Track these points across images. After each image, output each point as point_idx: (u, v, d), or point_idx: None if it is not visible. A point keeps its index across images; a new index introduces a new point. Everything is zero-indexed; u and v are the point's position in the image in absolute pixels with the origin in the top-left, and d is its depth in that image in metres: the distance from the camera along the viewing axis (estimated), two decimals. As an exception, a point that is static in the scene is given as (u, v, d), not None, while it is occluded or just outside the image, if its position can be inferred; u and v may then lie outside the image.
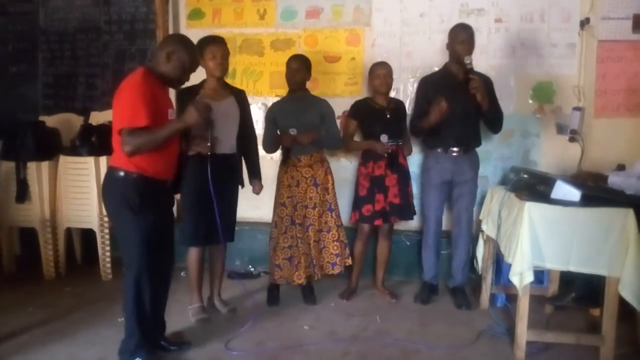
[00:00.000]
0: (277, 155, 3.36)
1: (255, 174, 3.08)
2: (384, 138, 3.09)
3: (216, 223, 2.74)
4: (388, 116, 3.22)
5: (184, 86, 2.92)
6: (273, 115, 3.19)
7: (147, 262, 2.32)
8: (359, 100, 3.37)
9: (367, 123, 3.24)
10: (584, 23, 3.45)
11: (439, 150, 3.20)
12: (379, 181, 3.20)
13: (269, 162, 3.54)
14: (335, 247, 3.20)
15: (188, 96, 2.82)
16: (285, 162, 3.18)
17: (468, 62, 2.97)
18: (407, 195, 3.26)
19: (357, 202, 3.28)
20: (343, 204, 3.57)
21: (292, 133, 3.04)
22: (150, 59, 2.44)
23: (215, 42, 2.86)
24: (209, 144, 2.60)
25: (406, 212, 3.27)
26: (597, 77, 3.49)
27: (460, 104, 3.02)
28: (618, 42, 3.45)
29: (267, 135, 3.20)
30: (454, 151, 3.15)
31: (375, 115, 3.22)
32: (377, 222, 3.22)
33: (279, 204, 3.16)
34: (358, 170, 3.33)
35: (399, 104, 3.35)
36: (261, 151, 3.18)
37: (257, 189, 3.08)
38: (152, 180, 2.30)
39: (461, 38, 3.06)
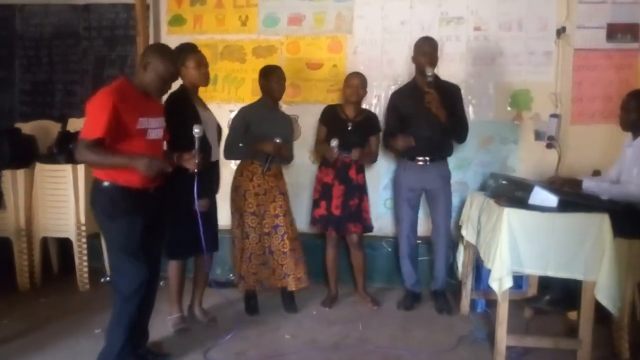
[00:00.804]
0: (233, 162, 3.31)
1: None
2: (333, 142, 3.08)
3: (200, 236, 2.65)
4: (349, 128, 3.23)
5: (171, 92, 2.87)
6: (247, 119, 3.10)
7: (133, 267, 2.30)
8: (329, 106, 3.39)
9: (330, 131, 3.26)
10: (560, 32, 3.52)
11: (406, 159, 3.25)
12: (326, 188, 3.23)
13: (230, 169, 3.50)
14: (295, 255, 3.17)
15: (182, 102, 2.77)
16: (265, 170, 3.07)
17: (429, 74, 3.02)
18: (352, 209, 3.22)
19: (312, 206, 3.34)
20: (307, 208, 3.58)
21: (277, 141, 3.00)
22: (133, 69, 2.42)
23: (195, 50, 2.83)
24: (197, 161, 2.53)
25: (344, 224, 3.22)
26: (574, 84, 3.56)
27: (426, 115, 3.06)
28: (593, 51, 3.53)
29: (234, 140, 3.07)
30: (419, 160, 3.18)
31: (338, 124, 3.25)
32: (318, 227, 3.28)
33: (248, 213, 3.09)
34: (316, 175, 3.37)
35: (368, 117, 3.34)
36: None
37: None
38: (124, 189, 2.28)
39: (424, 50, 3.12)
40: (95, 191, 2.33)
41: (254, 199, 3.09)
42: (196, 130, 2.49)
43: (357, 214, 3.24)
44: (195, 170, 2.51)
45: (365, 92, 3.29)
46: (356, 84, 3.21)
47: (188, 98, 2.80)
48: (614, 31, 3.50)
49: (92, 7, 4.18)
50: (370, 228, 3.31)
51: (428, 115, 3.06)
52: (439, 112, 3.03)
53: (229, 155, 3.13)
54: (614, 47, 3.51)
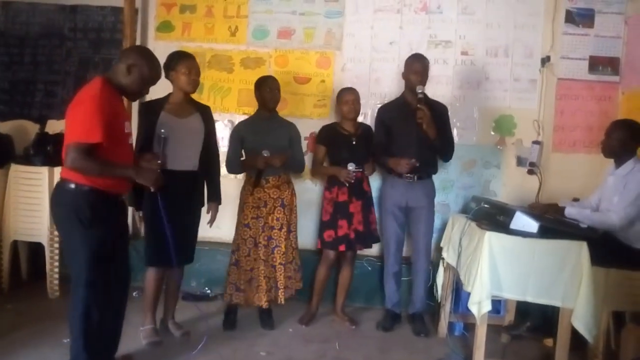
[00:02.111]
0: (241, 174, 3.31)
1: (214, 196, 2.98)
2: (351, 166, 3.09)
3: (168, 246, 2.59)
4: (354, 143, 3.23)
5: (147, 99, 2.87)
6: (240, 134, 3.14)
7: (97, 278, 2.22)
8: (327, 126, 3.37)
9: (334, 149, 3.25)
10: (545, 61, 3.60)
11: (393, 176, 3.25)
12: (342, 207, 3.19)
13: (233, 181, 3.47)
14: (289, 269, 3.15)
15: (152, 109, 2.77)
16: (251, 182, 3.08)
17: (420, 91, 3.05)
18: (369, 223, 3.25)
19: (321, 228, 3.27)
20: (307, 226, 3.54)
21: (265, 154, 3.00)
22: (110, 69, 2.35)
23: (189, 57, 2.82)
24: (159, 162, 2.50)
25: (369, 239, 3.26)
26: (556, 112, 3.63)
27: (414, 132, 3.08)
28: (576, 81, 3.61)
29: (233, 155, 3.13)
30: (407, 177, 3.19)
31: (342, 141, 3.24)
32: (341, 248, 3.20)
33: (242, 225, 3.08)
34: (323, 195, 3.33)
35: (366, 129, 3.36)
36: (223, 170, 3.11)
37: (214, 212, 2.98)
38: (104, 194, 2.21)
39: (415, 68, 3.14)
40: (64, 194, 2.20)
41: (250, 211, 3.07)
42: (162, 130, 2.49)
43: (370, 226, 3.25)
44: (152, 189, 2.42)
45: (360, 106, 3.29)
46: (352, 99, 3.21)
47: (156, 108, 2.77)
48: (595, 63, 3.60)
49: (80, 9, 4.12)
50: (377, 239, 3.32)
51: (416, 132, 3.07)
52: (429, 129, 3.04)
53: (229, 170, 3.17)
54: (595, 79, 3.60)
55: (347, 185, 3.15)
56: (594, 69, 3.60)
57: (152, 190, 2.42)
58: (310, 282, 3.36)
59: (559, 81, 3.61)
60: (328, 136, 3.29)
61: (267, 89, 3.11)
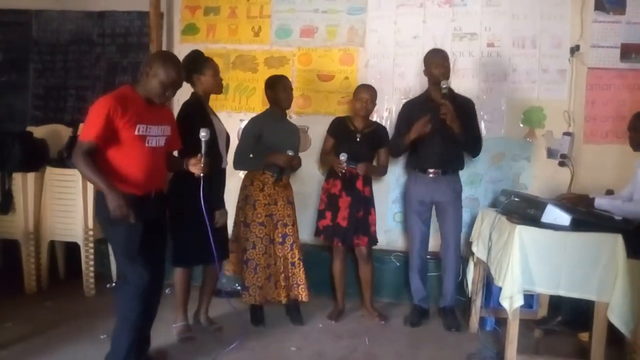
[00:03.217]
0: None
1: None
2: (342, 156, 3.08)
3: (210, 244, 2.59)
4: (358, 139, 3.23)
5: (185, 101, 2.86)
6: (259, 130, 3.08)
7: (135, 271, 2.30)
8: (338, 118, 3.39)
9: (338, 142, 3.26)
10: (574, 50, 3.52)
11: (417, 171, 3.22)
12: (332, 199, 3.21)
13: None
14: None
15: (198, 109, 2.77)
16: (276, 182, 3.07)
17: (444, 86, 3.01)
18: (359, 221, 3.20)
19: (317, 217, 3.32)
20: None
21: (290, 154, 3.02)
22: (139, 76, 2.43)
23: (210, 59, 2.85)
24: (202, 165, 2.50)
25: (351, 237, 3.19)
26: (587, 103, 3.54)
27: (439, 127, 3.05)
28: (607, 70, 3.51)
29: (246, 151, 3.06)
30: (430, 173, 3.16)
31: (346, 136, 3.24)
32: (321, 237, 3.26)
33: (256, 223, 3.06)
34: (322, 186, 3.36)
35: (377, 129, 3.33)
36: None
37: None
38: (126, 194, 2.25)
39: (435, 62, 3.11)
40: (98, 196, 2.32)
41: (263, 209, 3.07)
42: (203, 133, 2.48)
43: (363, 226, 3.21)
44: (202, 175, 2.47)
45: (374, 106, 3.28)
46: (366, 98, 3.20)
47: (202, 106, 2.82)
48: (628, 51, 3.49)
49: (107, 14, 4.23)
50: (374, 241, 3.28)
51: (440, 128, 3.04)
52: (453, 124, 3.01)
53: (238, 166, 3.10)
54: (627, 67, 3.49)
55: (340, 175, 3.14)
56: (626, 57, 3.49)
57: (201, 175, 2.47)
58: (329, 278, 3.39)
59: (590, 70, 3.52)
60: (336, 128, 3.31)
61: (282, 88, 3.11)
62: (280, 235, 3.10)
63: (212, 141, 2.59)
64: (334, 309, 3.32)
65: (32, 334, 2.87)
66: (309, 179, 3.75)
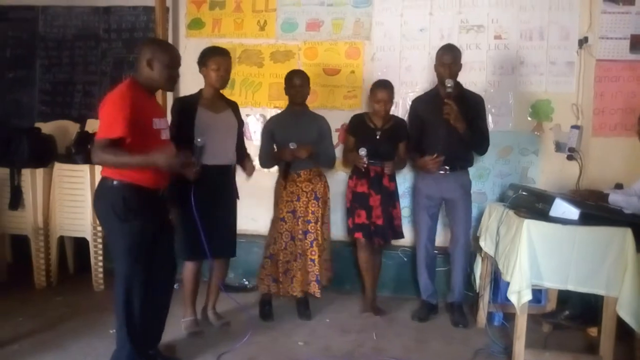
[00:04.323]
0: (274, 168, 3.33)
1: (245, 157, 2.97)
2: (362, 151, 3.08)
3: (201, 240, 2.64)
4: (378, 137, 3.22)
5: (181, 96, 2.93)
6: (271, 129, 3.19)
7: (136, 270, 2.30)
8: (357, 115, 3.37)
9: (358, 141, 3.24)
10: (583, 42, 3.47)
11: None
12: (361, 198, 3.20)
13: (267, 175, 3.50)
14: (321, 261, 3.16)
15: (186, 106, 2.83)
16: (284, 177, 3.14)
17: (449, 85, 2.98)
18: (390, 217, 3.21)
19: (346, 215, 3.32)
20: (342, 218, 3.56)
21: (291, 147, 3.03)
22: (135, 69, 2.40)
23: (220, 53, 2.84)
24: (195, 170, 2.55)
25: (388, 234, 3.22)
26: (595, 95, 3.51)
27: (446, 124, 3.03)
28: (616, 62, 3.47)
29: (264, 150, 3.20)
30: (439, 170, 3.14)
31: (366, 133, 3.23)
32: (357, 235, 3.20)
33: (278, 219, 3.12)
34: (347, 184, 3.35)
35: (396, 124, 3.31)
36: (257, 165, 3.13)
37: (250, 169, 2.95)
38: (140, 189, 2.27)
39: (444, 60, 3.08)
40: (104, 190, 2.28)
41: (285, 205, 3.11)
42: (198, 139, 2.53)
43: (392, 221, 3.24)
44: (192, 179, 2.54)
45: (392, 104, 3.26)
46: (385, 99, 3.16)
47: (192, 104, 2.81)
48: (637, 42, 3.45)
49: (113, 10, 4.22)
50: (399, 235, 3.29)
51: (446, 125, 3.03)
52: (457, 124, 2.99)
53: (262, 164, 3.22)
54: (637, 59, 3.45)
55: (363, 170, 3.13)
56: (636, 48, 3.45)
57: (191, 179, 2.51)
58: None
59: (598, 62, 3.48)
60: (356, 127, 3.30)
61: (291, 83, 3.14)
62: (301, 231, 3.11)
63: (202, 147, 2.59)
64: (365, 302, 3.31)
65: (43, 328, 2.91)
66: (331, 179, 3.68)
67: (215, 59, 2.81)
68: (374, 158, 3.11)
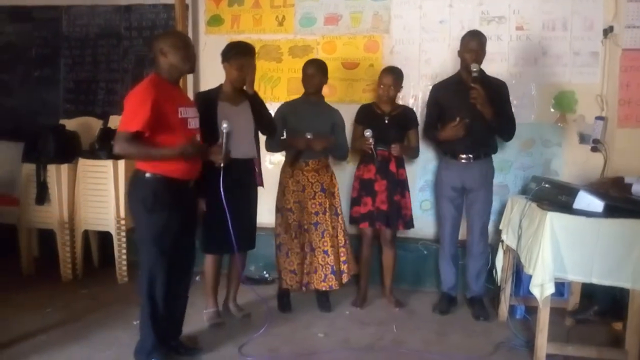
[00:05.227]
0: (278, 160, 3.33)
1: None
2: (367, 132, 3.06)
3: (229, 234, 2.64)
4: (386, 122, 3.20)
5: (201, 90, 2.94)
6: (283, 114, 3.16)
7: (160, 262, 2.35)
8: (364, 105, 3.37)
9: (366, 126, 3.20)
10: (608, 31, 3.40)
11: (448, 157, 3.18)
12: (367, 184, 3.20)
13: (276, 167, 3.50)
14: (342, 254, 3.17)
15: (206, 100, 2.83)
16: (292, 165, 3.13)
17: (474, 70, 2.95)
18: (396, 204, 3.19)
19: (350, 204, 3.31)
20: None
21: (308, 136, 3.03)
22: (155, 66, 2.45)
23: (244, 54, 2.81)
24: (222, 156, 2.57)
25: (394, 220, 3.20)
26: (621, 86, 3.42)
27: (468, 111, 2.99)
28: (643, 51, 3.39)
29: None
30: (462, 158, 3.11)
31: (374, 119, 3.22)
32: (363, 225, 3.21)
33: (286, 209, 3.12)
34: (354, 174, 3.34)
35: (405, 111, 3.31)
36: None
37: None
38: (169, 181, 2.32)
39: (470, 47, 3.04)
40: (136, 182, 2.36)
41: (291, 195, 3.11)
42: (224, 125, 2.50)
43: (400, 210, 3.22)
44: (222, 165, 2.52)
45: (398, 90, 3.24)
46: (388, 84, 3.17)
47: (212, 98, 2.82)
48: (665, 30, 3.35)
49: (134, 8, 4.27)
50: (410, 225, 3.28)
51: (472, 111, 2.98)
52: (484, 109, 2.96)
53: (268, 148, 3.17)
54: (665, 47, 3.36)
55: (370, 154, 3.11)
56: (664, 37, 3.36)
57: (221, 165, 2.51)
58: (372, 265, 3.38)
59: (624, 52, 3.39)
60: (364, 115, 3.29)
61: (304, 74, 3.15)
62: (308, 223, 3.12)
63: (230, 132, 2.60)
64: (357, 296, 3.33)
65: (69, 319, 2.98)
66: (337, 169, 3.72)
67: (239, 60, 2.78)
68: (381, 143, 3.10)
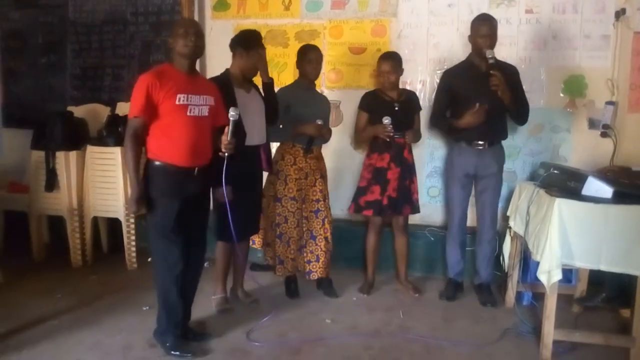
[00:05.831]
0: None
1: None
2: (386, 120, 3.03)
3: (229, 224, 2.59)
4: (397, 108, 3.17)
5: (211, 77, 2.91)
6: (287, 101, 3.06)
7: (169, 249, 2.38)
8: (369, 92, 3.32)
9: (376, 116, 3.15)
10: (620, 14, 3.33)
11: (462, 143, 3.14)
12: (380, 173, 3.17)
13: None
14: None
15: (225, 87, 2.73)
16: (306, 153, 3.08)
17: (490, 56, 2.90)
18: (405, 190, 3.19)
19: (356, 193, 3.27)
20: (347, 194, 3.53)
21: (318, 122, 3.01)
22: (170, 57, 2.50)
23: (263, 45, 2.83)
24: (230, 145, 2.49)
25: (401, 206, 3.20)
26: (632, 70, 3.36)
27: (483, 97, 2.95)
28: (655, 34, 3.32)
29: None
30: (478, 144, 3.08)
31: (384, 107, 3.17)
32: (367, 212, 3.20)
33: (288, 198, 3.08)
34: (363, 163, 3.32)
35: (410, 96, 3.29)
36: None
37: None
38: (170, 167, 2.35)
39: (483, 32, 2.98)
40: (145, 169, 2.42)
41: (294, 183, 3.09)
42: (232, 112, 2.46)
43: (409, 195, 3.22)
44: (226, 153, 2.46)
45: (399, 74, 3.19)
46: (387, 71, 3.13)
47: (227, 83, 2.78)
48: (680, 13, 3.28)
49: (140, -7, 4.25)
50: (417, 209, 3.28)
51: (489, 97, 2.93)
52: (504, 96, 2.92)
53: (272, 137, 3.10)
54: (679, 30, 3.29)
55: (387, 142, 3.08)
56: (678, 19, 3.28)
57: (225, 154, 2.46)
58: (362, 252, 3.40)
59: (636, 35, 3.32)
60: (370, 103, 3.24)
61: (307, 60, 3.08)
62: (309, 210, 3.12)
63: (239, 120, 2.56)
64: (364, 283, 3.35)
65: (79, 305, 3.02)
66: (341, 155, 3.74)
67: (260, 50, 2.79)
68: (395, 130, 3.07)
